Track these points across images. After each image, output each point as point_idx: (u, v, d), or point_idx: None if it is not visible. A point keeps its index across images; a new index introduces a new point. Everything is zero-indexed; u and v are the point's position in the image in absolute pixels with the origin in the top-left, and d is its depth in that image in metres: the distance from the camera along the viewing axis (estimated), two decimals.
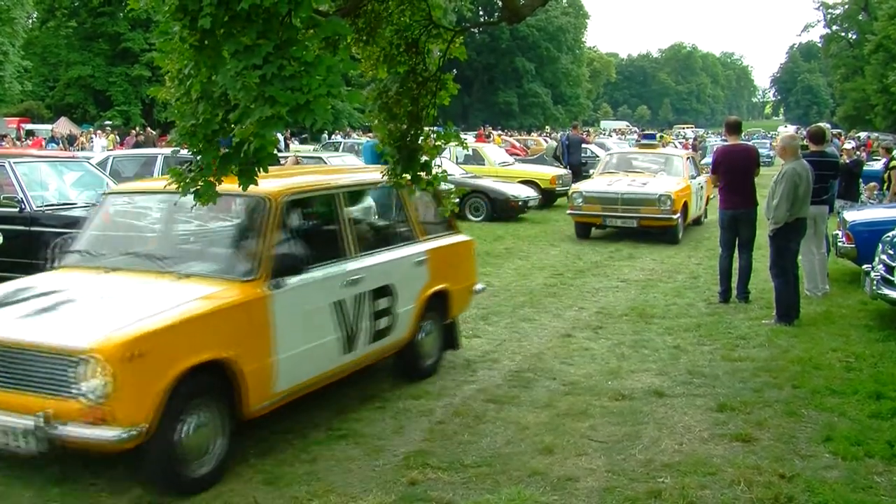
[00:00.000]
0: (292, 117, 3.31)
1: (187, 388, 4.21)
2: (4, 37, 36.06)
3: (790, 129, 43.19)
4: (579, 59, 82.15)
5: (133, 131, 35.19)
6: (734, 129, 9.63)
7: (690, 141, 42.36)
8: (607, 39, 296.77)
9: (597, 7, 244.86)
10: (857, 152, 17.62)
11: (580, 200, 14.20)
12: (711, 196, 16.37)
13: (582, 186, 14.86)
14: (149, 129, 37.91)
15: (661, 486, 4.43)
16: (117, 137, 32.28)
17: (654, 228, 14.02)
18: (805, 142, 9.97)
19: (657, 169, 15.08)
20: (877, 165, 17.61)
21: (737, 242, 9.14)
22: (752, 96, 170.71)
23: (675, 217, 13.58)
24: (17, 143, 31.39)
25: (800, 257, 8.90)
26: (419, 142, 5.54)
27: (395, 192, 6.03)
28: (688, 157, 15.96)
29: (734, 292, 9.17)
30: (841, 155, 13.91)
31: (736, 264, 9.18)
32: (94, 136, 32.95)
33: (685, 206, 14.17)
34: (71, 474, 4.51)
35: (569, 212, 14.55)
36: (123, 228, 5.72)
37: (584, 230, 14.56)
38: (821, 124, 12.35)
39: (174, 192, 4.01)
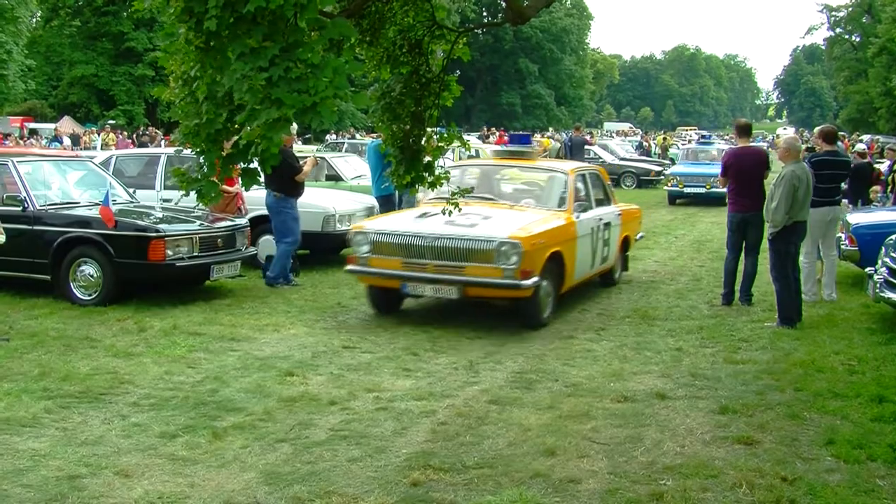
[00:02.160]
0: (299, 119, 3.32)
1: None
2: (8, 35, 36.09)
3: (790, 131, 43.11)
4: (583, 60, 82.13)
5: (124, 133, 35.10)
6: (744, 131, 9.57)
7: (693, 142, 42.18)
8: (611, 41, 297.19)
9: (600, 9, 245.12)
10: (867, 155, 17.43)
11: (366, 248, 8.12)
12: (637, 236, 11.16)
13: (371, 223, 8.55)
14: (153, 128, 37.95)
15: (662, 488, 4.43)
16: (116, 137, 32.23)
17: (491, 300, 8.41)
18: (811, 142, 9.98)
19: (524, 194, 9.21)
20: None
21: (744, 245, 9.13)
22: (756, 98, 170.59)
23: (525, 283, 7.59)
24: (20, 142, 31.45)
25: (802, 259, 8.89)
26: (422, 143, 5.57)
27: None
28: (580, 174, 9.43)
29: (737, 295, 9.17)
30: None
31: (740, 266, 9.18)
32: (61, 136, 32.71)
33: (556, 260, 8.16)
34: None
35: (348, 267, 8.33)
36: None
37: (381, 299, 8.52)
38: (830, 125, 12.35)
39: None
